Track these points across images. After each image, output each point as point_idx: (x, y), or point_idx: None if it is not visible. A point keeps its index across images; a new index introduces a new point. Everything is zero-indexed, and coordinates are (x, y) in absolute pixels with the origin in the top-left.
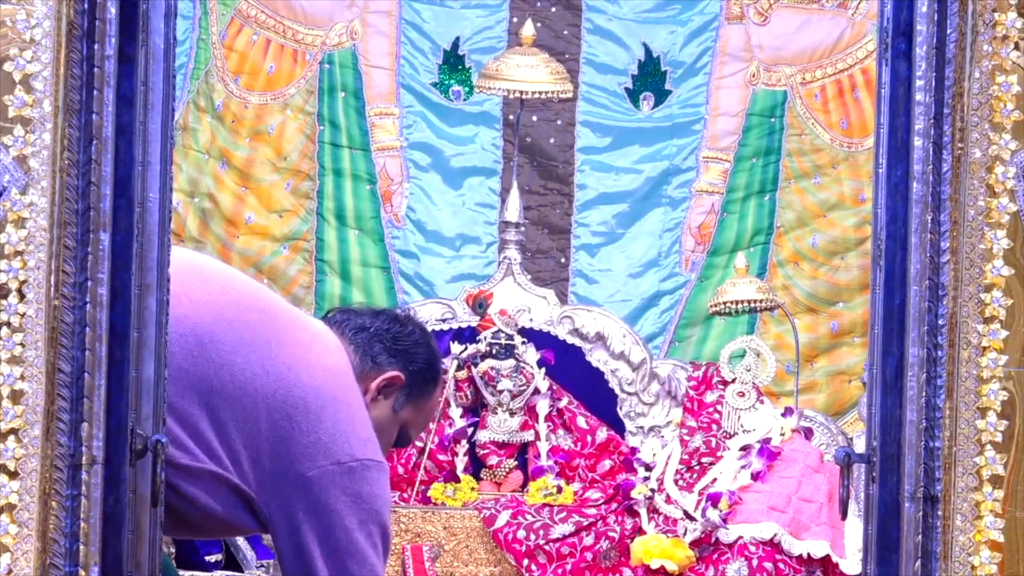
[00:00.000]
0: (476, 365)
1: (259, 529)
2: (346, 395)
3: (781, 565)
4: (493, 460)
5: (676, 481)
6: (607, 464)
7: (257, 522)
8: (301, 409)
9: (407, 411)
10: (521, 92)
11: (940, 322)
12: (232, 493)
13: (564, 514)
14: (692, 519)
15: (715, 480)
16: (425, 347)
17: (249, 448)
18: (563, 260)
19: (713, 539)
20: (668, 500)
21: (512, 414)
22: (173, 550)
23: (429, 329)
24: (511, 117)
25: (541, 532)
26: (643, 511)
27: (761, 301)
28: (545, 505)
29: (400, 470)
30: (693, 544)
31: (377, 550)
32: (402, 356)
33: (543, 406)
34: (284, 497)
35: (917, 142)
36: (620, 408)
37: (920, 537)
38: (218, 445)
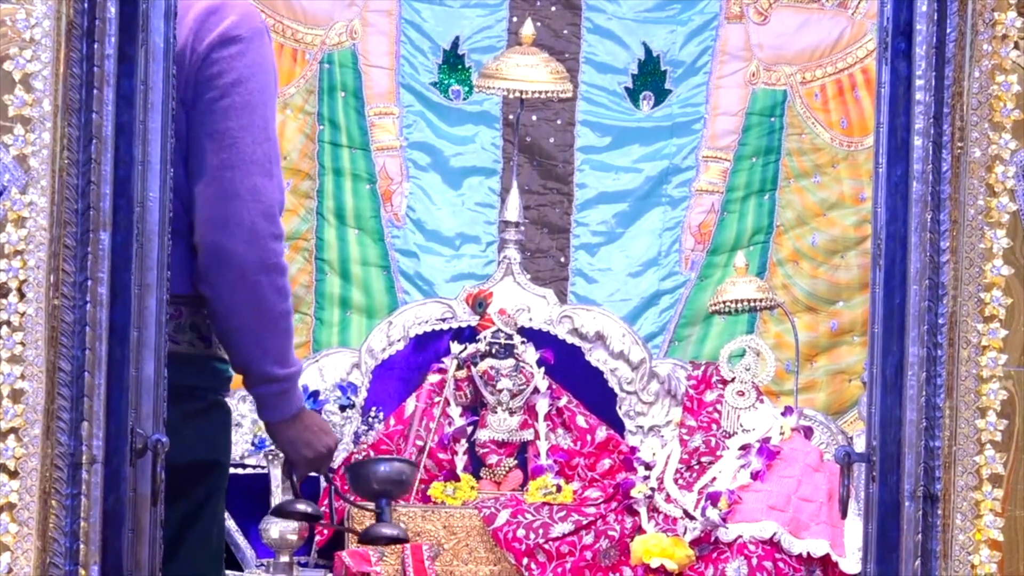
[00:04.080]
0: (476, 364)
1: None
2: None
3: (781, 564)
4: (493, 459)
5: (676, 480)
6: (607, 463)
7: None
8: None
9: None
10: (521, 92)
11: (940, 321)
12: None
13: (564, 513)
14: (692, 518)
15: (714, 479)
16: None
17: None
18: (563, 259)
19: (713, 538)
20: (668, 499)
21: (512, 413)
22: None
23: None
24: (511, 117)
25: (541, 531)
26: (643, 510)
27: (761, 300)
28: (545, 504)
29: None
30: (693, 543)
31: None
32: None
33: (543, 405)
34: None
35: (917, 141)
36: (620, 407)
37: (920, 536)
38: None
